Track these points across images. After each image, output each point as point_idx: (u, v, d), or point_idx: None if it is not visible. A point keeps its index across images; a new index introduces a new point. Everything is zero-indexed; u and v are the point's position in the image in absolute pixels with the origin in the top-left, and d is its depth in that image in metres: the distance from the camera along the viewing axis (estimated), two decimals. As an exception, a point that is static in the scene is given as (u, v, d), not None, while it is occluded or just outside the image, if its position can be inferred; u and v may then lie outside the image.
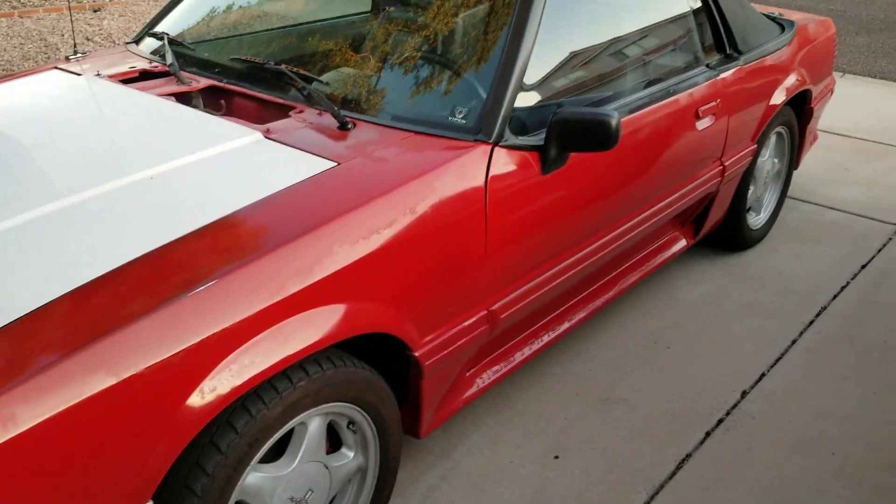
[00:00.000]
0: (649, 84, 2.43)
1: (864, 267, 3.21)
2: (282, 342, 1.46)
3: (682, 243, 2.91)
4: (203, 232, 1.53)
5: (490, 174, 1.87)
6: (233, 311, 1.40)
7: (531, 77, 2.06)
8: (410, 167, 1.78)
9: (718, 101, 2.65)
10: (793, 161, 3.44)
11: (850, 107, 4.97)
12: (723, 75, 2.69)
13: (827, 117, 4.67)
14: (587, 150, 1.94)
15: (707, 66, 2.68)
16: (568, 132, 1.93)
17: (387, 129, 1.94)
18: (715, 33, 2.76)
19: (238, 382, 1.39)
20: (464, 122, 1.94)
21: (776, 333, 2.77)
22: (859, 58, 6.33)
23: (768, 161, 3.25)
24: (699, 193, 2.73)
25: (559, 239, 2.12)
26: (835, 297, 2.99)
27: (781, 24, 3.20)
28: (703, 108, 2.56)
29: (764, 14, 3.23)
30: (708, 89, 2.61)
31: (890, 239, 3.44)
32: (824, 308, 2.92)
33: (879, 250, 3.34)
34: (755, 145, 2.98)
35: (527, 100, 2.05)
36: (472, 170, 1.84)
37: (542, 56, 2.10)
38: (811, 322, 2.83)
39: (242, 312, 1.41)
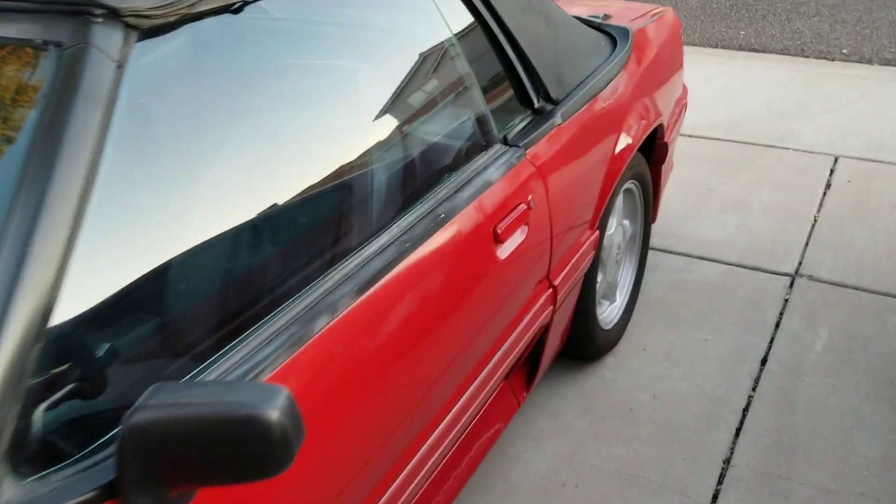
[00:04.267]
0: (394, 215, 1.32)
1: (764, 363, 2.28)
2: None
3: (511, 404, 1.86)
4: None
5: None
6: None
7: (87, 293, 0.91)
8: None
9: (530, 197, 1.58)
10: (649, 215, 2.46)
11: (697, 94, 4.07)
12: (532, 149, 1.62)
13: (675, 116, 3.77)
14: (218, 484, 0.82)
15: (504, 140, 1.60)
16: (164, 456, 0.80)
17: None
18: (513, 79, 1.67)
19: None
20: None
21: (667, 534, 1.78)
22: (696, 24, 5.54)
23: (617, 231, 2.25)
24: (523, 344, 1.67)
25: None
26: (737, 432, 2.04)
27: (612, 35, 2.17)
28: (502, 223, 1.48)
29: (583, 21, 2.20)
30: (508, 184, 1.53)
31: (786, 301, 2.54)
32: (727, 462, 1.96)
33: (777, 325, 2.43)
34: (596, 231, 1.96)
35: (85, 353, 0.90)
36: None
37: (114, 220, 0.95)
38: (715, 496, 1.86)
39: None
